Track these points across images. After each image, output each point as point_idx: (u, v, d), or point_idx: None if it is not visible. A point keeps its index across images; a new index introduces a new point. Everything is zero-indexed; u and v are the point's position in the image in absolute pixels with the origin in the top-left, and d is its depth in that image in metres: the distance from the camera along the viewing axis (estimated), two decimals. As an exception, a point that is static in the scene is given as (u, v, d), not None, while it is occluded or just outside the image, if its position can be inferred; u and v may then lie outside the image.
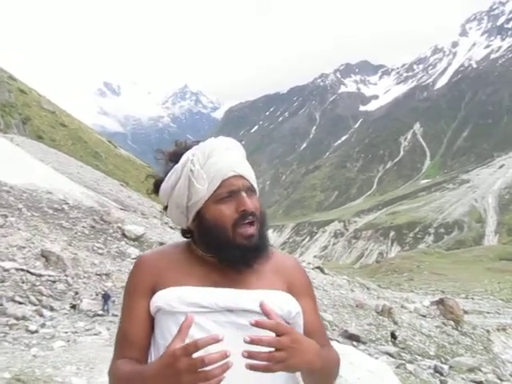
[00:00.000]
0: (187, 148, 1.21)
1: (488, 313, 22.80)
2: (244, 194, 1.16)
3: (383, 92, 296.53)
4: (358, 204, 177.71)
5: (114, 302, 11.16)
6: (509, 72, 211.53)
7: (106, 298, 11.06)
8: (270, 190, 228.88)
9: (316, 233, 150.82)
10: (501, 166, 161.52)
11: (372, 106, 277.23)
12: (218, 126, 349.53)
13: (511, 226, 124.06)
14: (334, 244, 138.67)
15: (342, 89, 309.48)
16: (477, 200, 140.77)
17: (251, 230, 1.15)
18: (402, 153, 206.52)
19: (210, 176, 1.16)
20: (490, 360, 14.18)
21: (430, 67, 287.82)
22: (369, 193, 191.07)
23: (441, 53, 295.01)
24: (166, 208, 1.26)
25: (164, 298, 1.16)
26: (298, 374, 1.08)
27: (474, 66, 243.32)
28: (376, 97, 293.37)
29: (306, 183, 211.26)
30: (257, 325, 0.93)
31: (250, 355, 0.92)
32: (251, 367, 0.93)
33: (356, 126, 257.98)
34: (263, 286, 1.19)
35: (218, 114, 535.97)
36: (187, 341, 0.92)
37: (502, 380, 12.36)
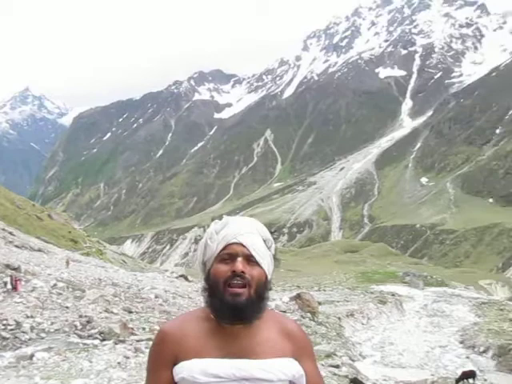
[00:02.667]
0: None
1: (338, 301, 24.90)
2: (240, 259, 1.43)
3: (236, 100, 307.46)
4: (217, 209, 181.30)
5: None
6: (344, 85, 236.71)
7: None
8: (127, 198, 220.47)
9: (176, 240, 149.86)
10: (341, 169, 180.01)
11: (226, 114, 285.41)
12: (66, 134, 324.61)
13: (352, 222, 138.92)
14: (194, 250, 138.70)
15: (197, 96, 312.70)
16: (323, 200, 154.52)
17: (239, 290, 1.40)
18: (255, 158, 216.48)
19: (219, 239, 1.46)
20: (342, 344, 15.66)
21: (278, 78, 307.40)
22: (226, 197, 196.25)
23: (286, 65, 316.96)
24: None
25: (187, 370, 1.38)
26: None
27: (316, 78, 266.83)
28: (229, 105, 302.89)
29: (164, 191, 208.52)
30: None
31: None
32: None
33: (211, 132, 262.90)
34: (273, 354, 1.43)
35: (66, 121, 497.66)
36: None
37: (353, 360, 13.78)
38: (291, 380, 1.46)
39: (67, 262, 18.83)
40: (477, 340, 17.69)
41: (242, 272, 1.40)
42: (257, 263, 1.45)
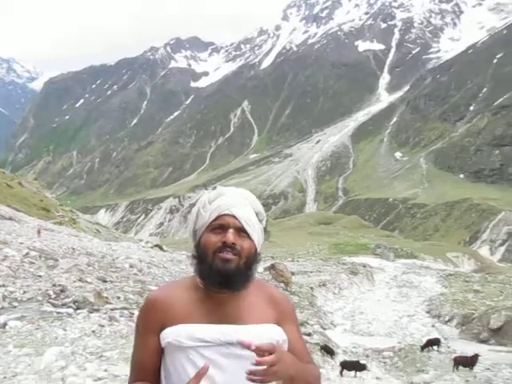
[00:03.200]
0: None
1: (311, 272, 25.50)
2: (231, 231, 1.43)
3: (213, 69, 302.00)
4: (192, 179, 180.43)
5: None
6: (323, 57, 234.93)
7: None
8: (101, 167, 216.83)
9: (151, 210, 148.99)
10: (318, 141, 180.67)
11: (203, 83, 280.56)
12: (37, 99, 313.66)
13: (327, 195, 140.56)
14: (169, 220, 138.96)
15: (173, 64, 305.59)
16: (299, 172, 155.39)
17: (229, 256, 1.42)
18: (232, 129, 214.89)
19: (212, 209, 1.47)
20: (314, 313, 16.09)
21: (256, 47, 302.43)
22: (202, 168, 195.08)
23: (266, 34, 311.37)
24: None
25: (173, 334, 1.42)
26: None
27: (295, 49, 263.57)
28: (206, 73, 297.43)
29: (139, 160, 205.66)
30: (257, 362, 1.27)
31: (251, 373, 1.27)
32: (252, 380, 1.28)
33: (188, 102, 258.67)
34: (257, 320, 1.47)
35: (36, 85, 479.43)
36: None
37: (325, 329, 14.21)
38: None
39: (38, 231, 18.53)
40: (442, 310, 18.43)
41: (233, 243, 1.42)
42: (247, 236, 1.46)
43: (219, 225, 1.45)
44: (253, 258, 1.48)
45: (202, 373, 1.31)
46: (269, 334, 1.45)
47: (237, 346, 1.39)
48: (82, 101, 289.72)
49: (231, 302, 1.47)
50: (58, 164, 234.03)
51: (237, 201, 1.48)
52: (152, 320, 1.47)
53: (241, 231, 1.45)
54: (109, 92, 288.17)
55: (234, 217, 1.45)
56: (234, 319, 1.45)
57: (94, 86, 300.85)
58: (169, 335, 1.42)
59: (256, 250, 1.50)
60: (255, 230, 1.48)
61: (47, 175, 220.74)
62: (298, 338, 1.56)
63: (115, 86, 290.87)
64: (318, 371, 1.55)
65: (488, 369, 9.35)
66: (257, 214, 1.51)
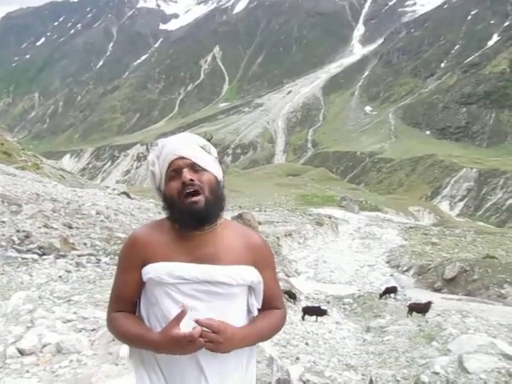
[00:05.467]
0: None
1: (278, 222, 25.89)
2: (185, 170, 1.50)
3: (184, 11, 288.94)
4: (161, 126, 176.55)
5: None
6: (298, 4, 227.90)
7: None
8: (64, 111, 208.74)
9: (118, 157, 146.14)
10: (289, 92, 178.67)
11: (172, 26, 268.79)
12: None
13: (296, 146, 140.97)
14: (136, 168, 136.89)
15: (141, 3, 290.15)
16: (269, 122, 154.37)
17: (195, 198, 1.48)
18: (202, 76, 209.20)
19: (161, 162, 1.54)
20: (279, 261, 16.55)
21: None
22: (171, 115, 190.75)
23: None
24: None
25: (154, 271, 1.50)
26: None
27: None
28: (176, 16, 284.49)
29: (105, 104, 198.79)
30: (198, 322, 1.39)
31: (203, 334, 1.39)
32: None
33: (156, 45, 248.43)
34: (234, 261, 1.54)
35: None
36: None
37: (289, 276, 14.71)
38: (250, 285, 1.58)
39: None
40: (401, 260, 19.31)
41: (191, 180, 1.48)
42: (203, 169, 1.52)
43: (173, 170, 1.50)
44: (216, 187, 1.54)
45: (181, 316, 1.37)
46: (245, 275, 1.53)
47: (214, 284, 1.49)
48: (43, 39, 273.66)
49: (210, 243, 1.54)
50: (19, 106, 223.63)
51: (179, 144, 1.53)
52: (134, 256, 1.53)
53: (194, 167, 1.51)
54: (72, 31, 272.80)
55: (182, 158, 1.50)
56: (212, 259, 1.51)
57: (56, 24, 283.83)
58: (150, 271, 1.49)
59: (217, 178, 1.55)
60: (207, 161, 1.54)
61: (7, 118, 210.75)
62: (272, 282, 1.64)
63: (79, 25, 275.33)
64: (281, 313, 1.67)
65: (439, 314, 9.97)
66: (203, 147, 1.56)
